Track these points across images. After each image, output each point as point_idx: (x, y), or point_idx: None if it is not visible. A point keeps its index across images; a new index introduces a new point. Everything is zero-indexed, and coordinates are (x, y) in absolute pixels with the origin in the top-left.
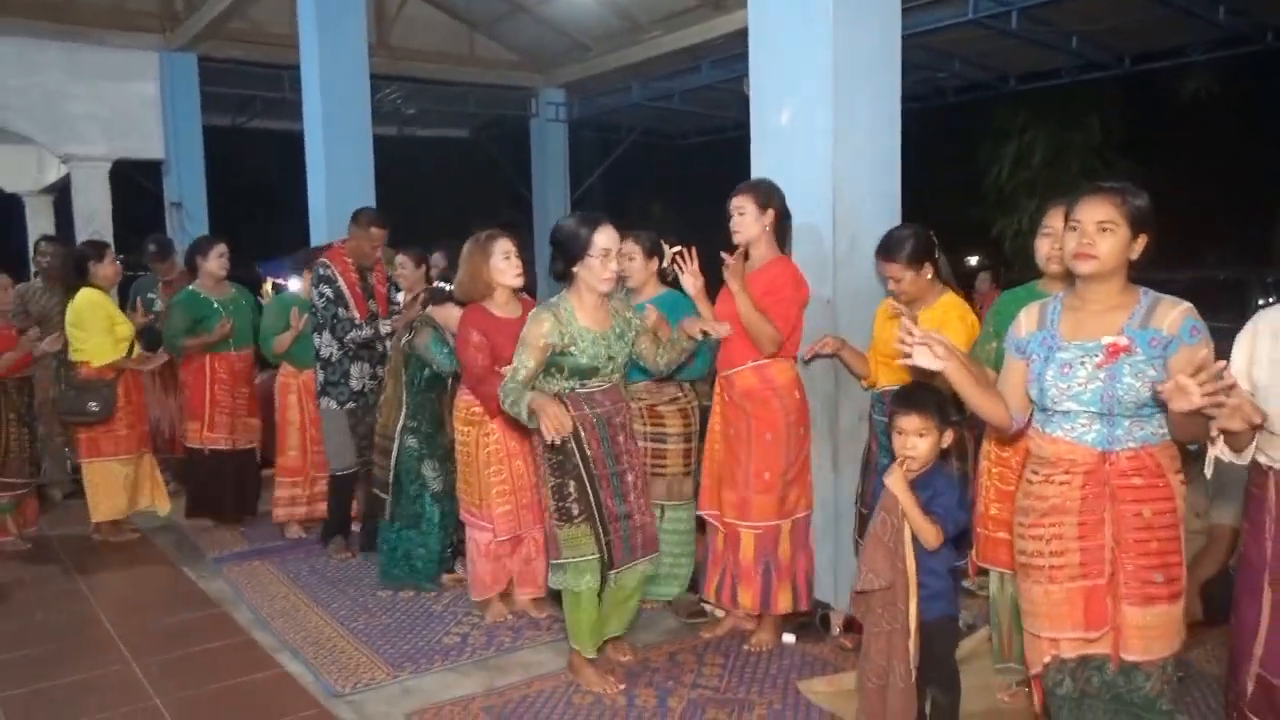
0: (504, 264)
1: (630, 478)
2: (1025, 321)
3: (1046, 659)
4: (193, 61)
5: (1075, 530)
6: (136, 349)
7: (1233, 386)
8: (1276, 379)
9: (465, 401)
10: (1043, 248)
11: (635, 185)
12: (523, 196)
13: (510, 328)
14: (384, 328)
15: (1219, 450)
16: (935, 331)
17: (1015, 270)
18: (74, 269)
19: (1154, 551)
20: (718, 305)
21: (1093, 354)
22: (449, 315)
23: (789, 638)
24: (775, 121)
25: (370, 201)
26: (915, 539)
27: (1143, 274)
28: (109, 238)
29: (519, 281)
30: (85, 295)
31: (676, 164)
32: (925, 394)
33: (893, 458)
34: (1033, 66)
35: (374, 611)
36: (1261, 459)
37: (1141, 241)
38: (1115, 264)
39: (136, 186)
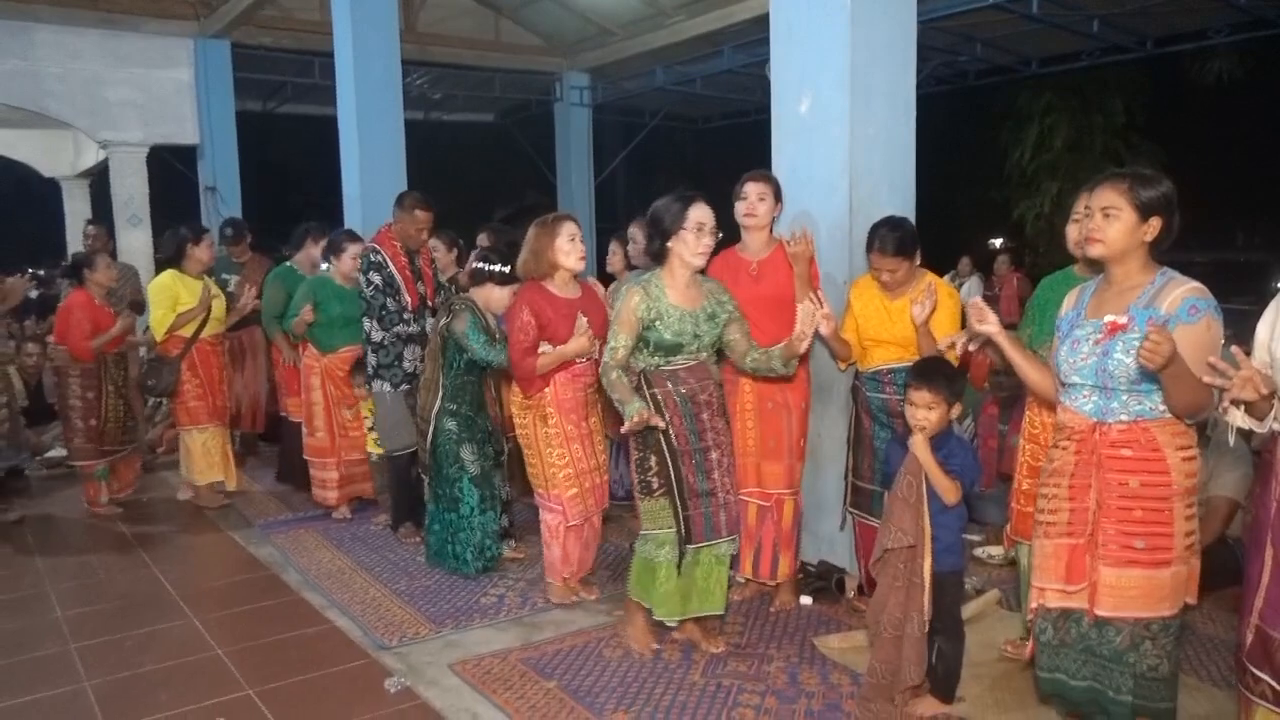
0: (568, 246)
1: (715, 455)
2: (1067, 303)
3: (1035, 606)
4: (226, 48)
5: (1067, 491)
6: (211, 328)
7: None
8: None
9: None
10: (1072, 233)
11: (658, 169)
12: (547, 180)
13: (567, 307)
14: (431, 325)
15: (1240, 419)
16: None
17: (1039, 253)
18: (173, 251)
19: (1137, 520)
20: (758, 285)
21: (1097, 332)
22: (489, 296)
23: (806, 600)
24: (795, 111)
25: (402, 185)
26: (930, 498)
27: (1166, 255)
28: (146, 221)
29: (580, 265)
30: (159, 277)
31: (699, 147)
32: (936, 369)
33: (890, 431)
34: (1054, 50)
35: (414, 575)
36: (1276, 426)
37: (1155, 224)
38: (1122, 247)
39: (172, 171)
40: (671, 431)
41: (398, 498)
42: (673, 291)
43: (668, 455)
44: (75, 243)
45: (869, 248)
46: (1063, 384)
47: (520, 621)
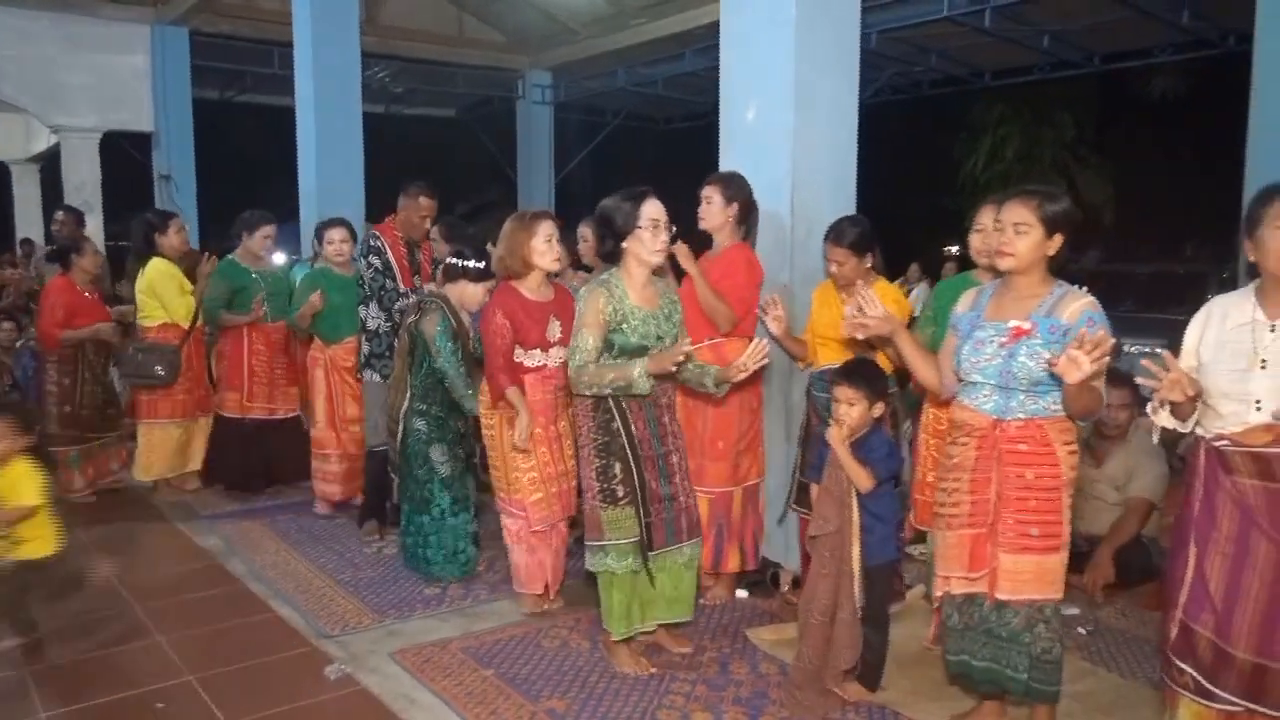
0: (544, 246)
1: (674, 459)
2: (963, 303)
3: (940, 594)
4: (184, 35)
5: (968, 485)
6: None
7: (1105, 353)
8: (1217, 358)
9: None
10: (974, 242)
11: (619, 168)
12: (508, 176)
13: (539, 311)
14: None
15: (1164, 419)
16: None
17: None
18: (142, 241)
19: (1031, 509)
20: (681, 288)
21: (1001, 334)
22: (463, 293)
23: (742, 593)
24: (742, 117)
25: (360, 178)
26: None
27: (1107, 265)
28: (98, 208)
29: (556, 266)
30: (155, 265)
31: (660, 148)
32: (860, 369)
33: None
34: (1007, 63)
35: (360, 566)
36: (1198, 430)
37: (1057, 240)
38: (1031, 260)
39: (126, 158)
40: (636, 435)
41: (369, 494)
42: (633, 292)
43: (632, 462)
44: (24, 228)
45: (825, 238)
46: (962, 381)
47: (462, 612)
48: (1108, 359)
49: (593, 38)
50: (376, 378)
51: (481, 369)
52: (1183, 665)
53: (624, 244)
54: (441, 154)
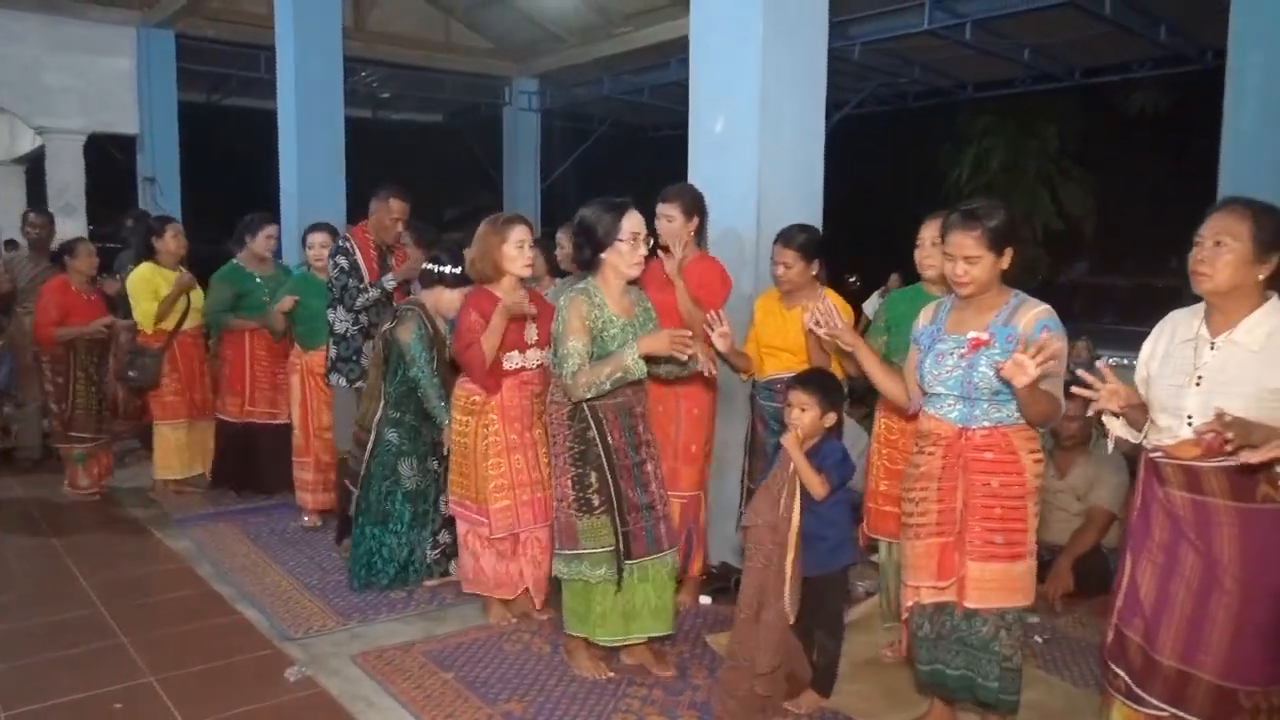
0: (515, 252)
1: (650, 467)
2: (923, 317)
3: (910, 604)
4: (170, 38)
5: (935, 494)
6: (191, 319)
7: (1052, 356)
8: (1162, 372)
9: (466, 390)
10: (918, 256)
11: (605, 175)
12: (494, 182)
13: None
14: (388, 284)
15: (1119, 429)
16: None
17: None
18: (142, 243)
19: (997, 517)
20: (650, 294)
21: (961, 346)
22: (439, 299)
23: (705, 600)
24: (711, 129)
25: (341, 182)
26: (808, 497)
27: (1090, 279)
28: (81, 210)
29: (527, 272)
30: (140, 269)
31: (646, 156)
32: (815, 377)
33: (779, 437)
34: (990, 75)
35: (327, 570)
36: (1146, 442)
37: (1008, 255)
38: (987, 282)
39: (110, 160)
40: (612, 445)
41: (344, 505)
42: (611, 302)
43: (608, 471)
44: (8, 229)
45: (775, 240)
46: (926, 393)
47: (426, 616)
48: (1056, 364)
49: (579, 46)
50: (343, 382)
51: (458, 376)
52: (1116, 669)
53: (602, 255)
54: (428, 159)
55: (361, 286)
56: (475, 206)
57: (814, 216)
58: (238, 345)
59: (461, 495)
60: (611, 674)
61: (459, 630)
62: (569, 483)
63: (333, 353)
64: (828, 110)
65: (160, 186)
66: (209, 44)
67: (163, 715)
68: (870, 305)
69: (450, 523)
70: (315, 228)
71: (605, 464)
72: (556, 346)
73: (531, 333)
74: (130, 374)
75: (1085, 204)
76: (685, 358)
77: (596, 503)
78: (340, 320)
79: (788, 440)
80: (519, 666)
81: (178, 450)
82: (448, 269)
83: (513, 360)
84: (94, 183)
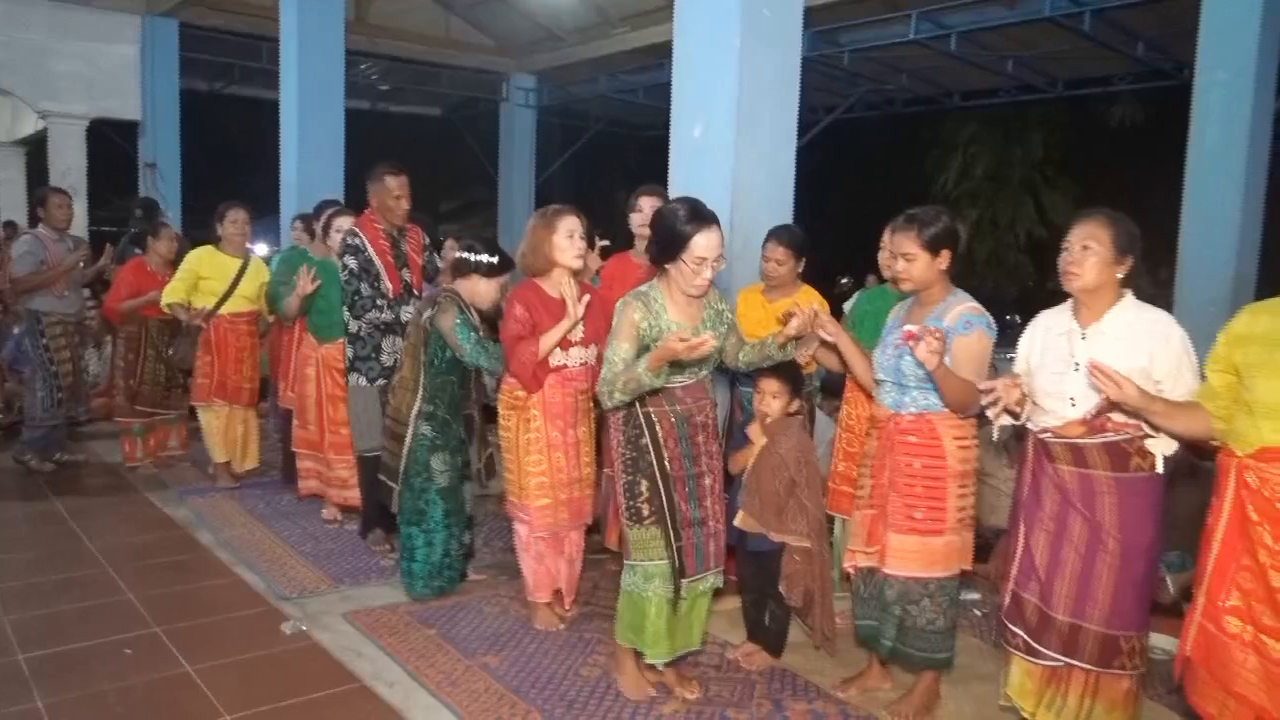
0: (566, 243)
1: (708, 482)
2: (894, 313)
3: (847, 566)
4: (174, 27)
5: (870, 471)
6: (234, 304)
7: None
8: (1042, 363)
9: (509, 384)
10: (881, 258)
11: (599, 172)
12: (490, 177)
13: (561, 309)
14: (405, 314)
15: (1002, 420)
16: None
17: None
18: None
19: (918, 495)
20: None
21: (899, 338)
22: (474, 289)
23: None
24: (690, 134)
25: (340, 173)
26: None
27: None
28: (83, 193)
29: (578, 264)
30: (194, 250)
31: (640, 154)
32: (785, 367)
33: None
34: (975, 84)
35: (320, 539)
36: (1029, 424)
37: (944, 256)
38: (924, 279)
39: (112, 145)
40: (665, 455)
41: (368, 502)
42: (673, 307)
43: (659, 481)
44: (8, 210)
45: (766, 239)
46: (874, 381)
47: None
48: (975, 357)
49: (576, 45)
50: (363, 381)
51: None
52: (1014, 629)
53: (668, 265)
54: (426, 152)
55: (377, 300)
56: (471, 200)
57: (785, 217)
58: (282, 333)
59: (511, 493)
60: (653, 692)
61: (444, 593)
62: (622, 489)
63: (350, 352)
64: (818, 114)
65: (161, 172)
66: (212, 33)
67: (169, 659)
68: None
69: (471, 522)
70: (341, 211)
71: (657, 473)
72: (607, 349)
73: (577, 330)
74: (170, 351)
75: (1068, 211)
76: (702, 355)
77: (645, 512)
78: (352, 320)
79: (751, 430)
80: (497, 625)
81: (221, 433)
82: (484, 258)
83: (555, 358)
84: (95, 167)
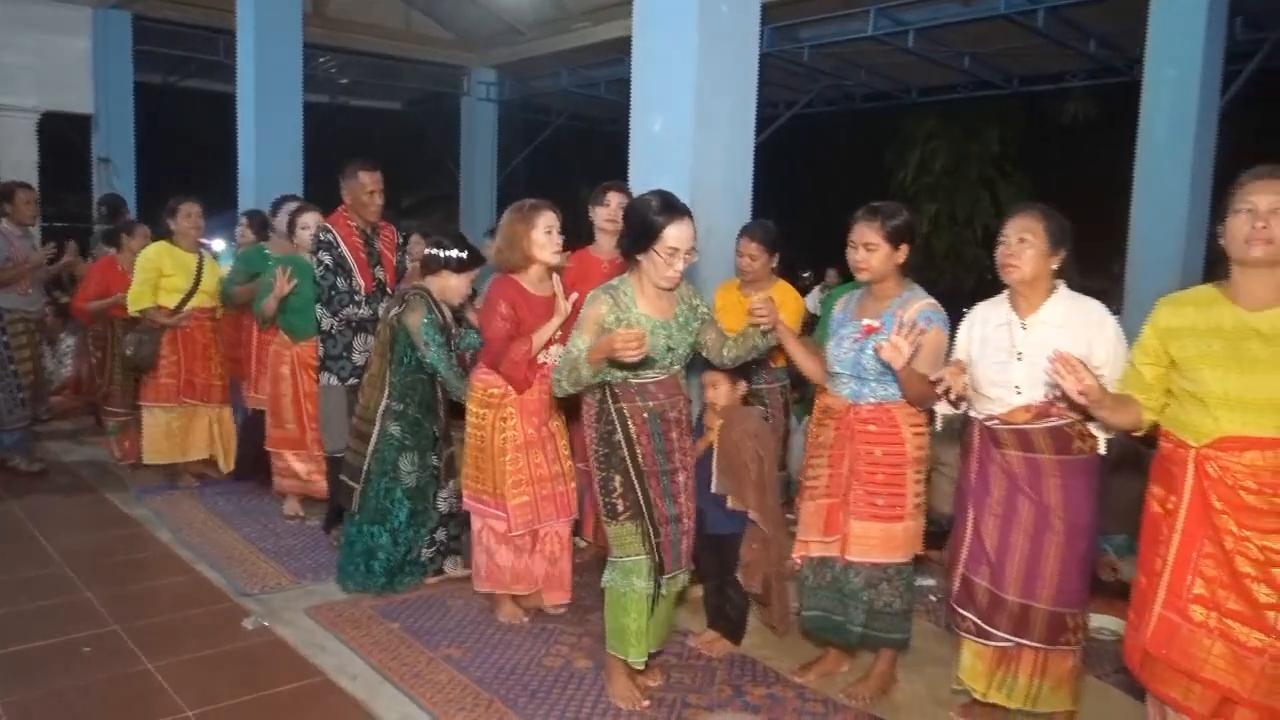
0: (544, 239)
1: (681, 478)
2: (840, 305)
3: (798, 556)
4: (127, 19)
5: (827, 461)
6: (198, 301)
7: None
8: (983, 353)
9: (482, 381)
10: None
11: (561, 167)
12: (451, 171)
13: (541, 306)
14: (382, 310)
15: (944, 408)
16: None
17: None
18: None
19: (879, 482)
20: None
21: (856, 331)
22: (445, 285)
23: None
24: (650, 128)
25: (299, 167)
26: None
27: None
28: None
29: (557, 259)
30: (150, 247)
31: (602, 149)
32: None
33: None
34: (932, 81)
35: (281, 535)
36: (971, 412)
37: (903, 250)
38: (881, 272)
39: (63, 140)
40: (639, 451)
41: (334, 499)
42: (643, 301)
43: (634, 476)
44: None
45: (739, 235)
46: (829, 373)
47: None
48: (932, 351)
49: (538, 39)
50: (334, 380)
51: (462, 365)
52: (965, 612)
53: (639, 256)
54: (386, 146)
55: (354, 296)
56: (433, 195)
57: (743, 211)
58: (247, 333)
59: (477, 490)
60: (646, 703)
61: (407, 589)
62: (597, 485)
63: (321, 350)
64: (778, 109)
65: (115, 167)
66: (167, 25)
67: (129, 657)
68: (812, 299)
69: (446, 520)
70: (305, 208)
71: (630, 469)
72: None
73: (563, 305)
74: (128, 352)
75: None
76: (636, 358)
77: (620, 508)
78: (326, 317)
79: (708, 418)
80: (460, 619)
81: (167, 435)
82: (454, 253)
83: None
84: (46, 162)
